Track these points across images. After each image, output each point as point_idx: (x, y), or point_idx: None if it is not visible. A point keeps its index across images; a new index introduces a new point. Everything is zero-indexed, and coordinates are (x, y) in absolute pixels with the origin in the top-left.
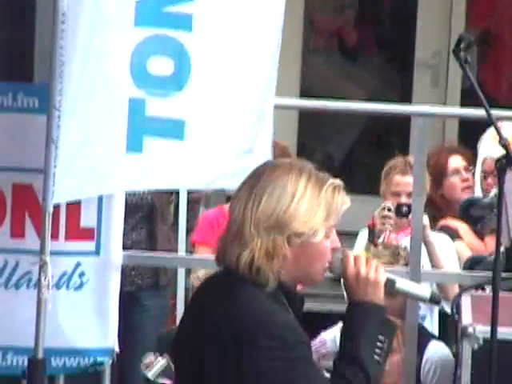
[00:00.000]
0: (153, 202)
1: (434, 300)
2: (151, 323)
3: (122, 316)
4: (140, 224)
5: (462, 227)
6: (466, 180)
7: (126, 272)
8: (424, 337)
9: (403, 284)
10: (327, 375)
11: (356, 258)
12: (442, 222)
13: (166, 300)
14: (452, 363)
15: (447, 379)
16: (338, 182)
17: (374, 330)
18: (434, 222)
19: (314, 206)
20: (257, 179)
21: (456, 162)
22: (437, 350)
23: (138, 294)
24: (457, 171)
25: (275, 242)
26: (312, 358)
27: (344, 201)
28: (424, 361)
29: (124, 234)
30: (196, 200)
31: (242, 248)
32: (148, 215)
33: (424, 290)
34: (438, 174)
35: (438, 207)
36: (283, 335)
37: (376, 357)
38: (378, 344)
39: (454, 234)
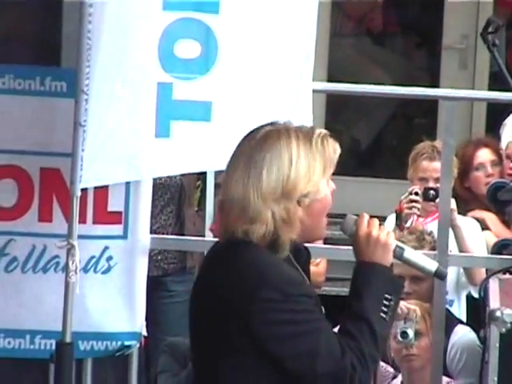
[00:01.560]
0: (181, 183)
1: (438, 275)
2: (177, 309)
3: (148, 301)
4: (168, 206)
5: (490, 218)
6: (492, 175)
7: (151, 257)
8: (450, 321)
9: (411, 254)
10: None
11: (369, 220)
12: (469, 214)
13: (192, 284)
14: (478, 348)
15: (473, 364)
16: (323, 130)
17: (380, 288)
18: (460, 214)
19: (311, 163)
20: (249, 152)
21: (483, 156)
22: (463, 334)
23: (164, 279)
24: (482, 165)
25: (288, 210)
26: (318, 313)
27: (335, 148)
28: (450, 345)
29: (152, 217)
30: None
31: (250, 223)
32: (176, 197)
33: (431, 263)
34: (465, 167)
35: (464, 200)
36: (286, 288)
37: (382, 314)
38: (385, 302)
39: (482, 225)
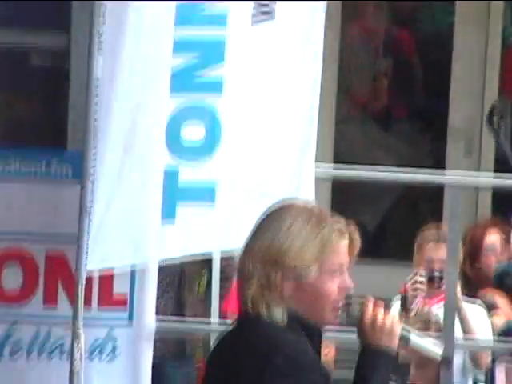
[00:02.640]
0: (182, 268)
1: (444, 359)
2: None
3: None
4: (167, 292)
5: (500, 300)
6: (502, 255)
7: None
8: None
9: (417, 338)
10: None
11: (375, 305)
12: (480, 294)
13: (190, 367)
14: None
15: None
16: (340, 224)
17: (386, 372)
18: (470, 296)
19: (308, 242)
20: (259, 220)
21: (492, 237)
22: None
23: (163, 363)
24: (492, 247)
25: (269, 276)
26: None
27: (342, 239)
28: None
29: None
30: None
31: (246, 286)
32: (176, 282)
33: (437, 347)
34: (474, 248)
35: (474, 282)
36: (296, 357)
37: None
38: (391, 383)
39: (492, 307)
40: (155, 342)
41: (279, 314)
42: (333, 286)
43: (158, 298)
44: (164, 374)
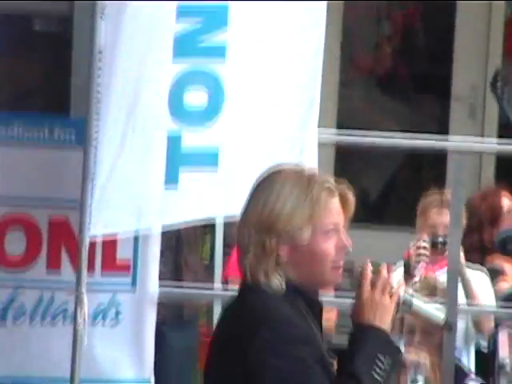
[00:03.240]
0: (178, 231)
1: (447, 325)
2: (175, 358)
3: None
4: (164, 256)
5: (508, 266)
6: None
7: None
8: (461, 373)
9: (419, 306)
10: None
11: (373, 281)
12: (489, 262)
13: (191, 331)
14: None
15: None
16: (329, 183)
17: (373, 348)
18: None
19: (298, 204)
20: (254, 186)
21: (506, 202)
22: None
23: (162, 328)
24: (509, 212)
25: (264, 243)
26: (314, 358)
27: (331, 197)
28: None
29: None
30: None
31: (244, 255)
32: (173, 245)
33: (439, 315)
34: (496, 214)
35: (489, 249)
36: (283, 330)
37: (375, 374)
38: (378, 363)
39: (500, 274)
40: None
41: (277, 282)
42: (329, 246)
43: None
44: (165, 337)
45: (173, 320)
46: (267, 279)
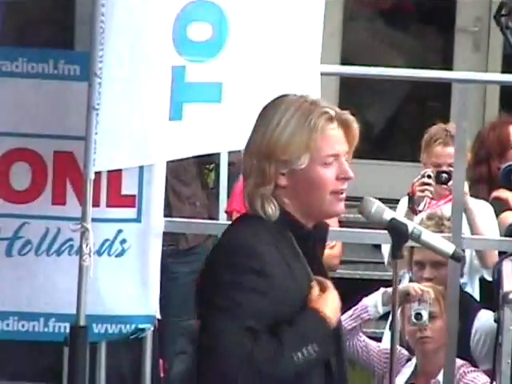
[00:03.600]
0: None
1: (455, 257)
2: (181, 290)
3: None
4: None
5: None
6: None
7: None
8: (472, 306)
9: (428, 237)
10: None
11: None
12: (494, 193)
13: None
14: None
15: (491, 353)
16: (329, 110)
17: (314, 339)
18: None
19: (296, 131)
20: (258, 115)
21: None
22: (486, 319)
23: (164, 262)
24: None
25: (264, 170)
26: (264, 291)
27: (329, 124)
28: (474, 330)
29: None
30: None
31: (246, 183)
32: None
33: (448, 246)
34: (504, 147)
35: (496, 181)
36: (237, 259)
37: (299, 353)
38: (308, 348)
39: (505, 205)
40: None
41: (271, 211)
42: (327, 175)
43: None
44: (167, 269)
45: (173, 254)
46: (262, 206)
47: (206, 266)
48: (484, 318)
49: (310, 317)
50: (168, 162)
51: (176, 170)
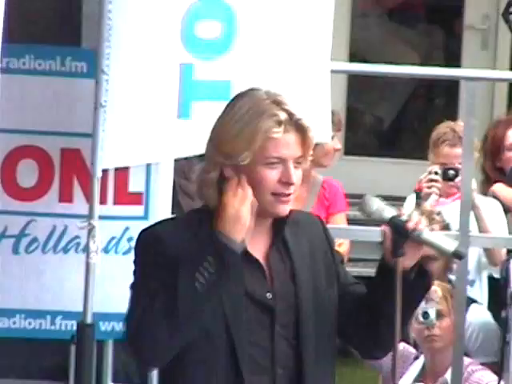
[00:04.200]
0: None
1: (457, 255)
2: None
3: None
4: None
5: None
6: None
7: None
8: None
9: (429, 235)
10: None
11: (237, 189)
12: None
13: None
14: (493, 327)
15: (490, 342)
16: (280, 113)
17: (208, 251)
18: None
19: (243, 129)
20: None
21: None
22: (478, 314)
23: None
24: None
25: (212, 157)
26: (158, 277)
27: (277, 128)
28: (466, 325)
29: None
30: None
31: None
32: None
33: (449, 244)
34: (496, 147)
35: (494, 181)
36: (142, 244)
37: (199, 275)
38: (204, 264)
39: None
40: None
41: (211, 196)
42: (268, 176)
43: None
44: None
45: None
46: (200, 190)
47: None
48: (475, 313)
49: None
50: (176, 162)
51: (183, 169)
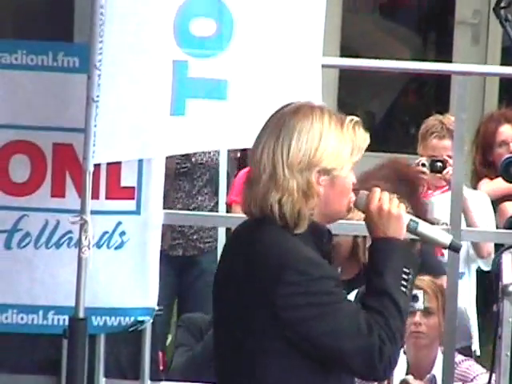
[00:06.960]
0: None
1: (453, 247)
2: (208, 286)
3: (181, 279)
4: (206, 187)
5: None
6: None
7: (187, 236)
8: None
9: (425, 228)
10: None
11: (381, 195)
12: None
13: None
14: (463, 315)
15: (460, 328)
16: (355, 118)
17: (398, 262)
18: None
19: (341, 142)
20: (279, 124)
21: (505, 132)
22: None
23: (200, 258)
24: (505, 142)
25: (309, 182)
26: (339, 293)
27: (365, 136)
28: None
29: (189, 197)
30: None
31: (281, 194)
32: (216, 178)
33: (445, 236)
34: (487, 142)
35: (485, 176)
36: (307, 270)
37: (403, 288)
38: (404, 276)
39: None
40: (192, 234)
41: (306, 223)
42: (353, 178)
43: (195, 194)
44: (200, 265)
45: (211, 250)
46: (298, 217)
47: (258, 288)
48: None
49: (385, 249)
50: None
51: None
